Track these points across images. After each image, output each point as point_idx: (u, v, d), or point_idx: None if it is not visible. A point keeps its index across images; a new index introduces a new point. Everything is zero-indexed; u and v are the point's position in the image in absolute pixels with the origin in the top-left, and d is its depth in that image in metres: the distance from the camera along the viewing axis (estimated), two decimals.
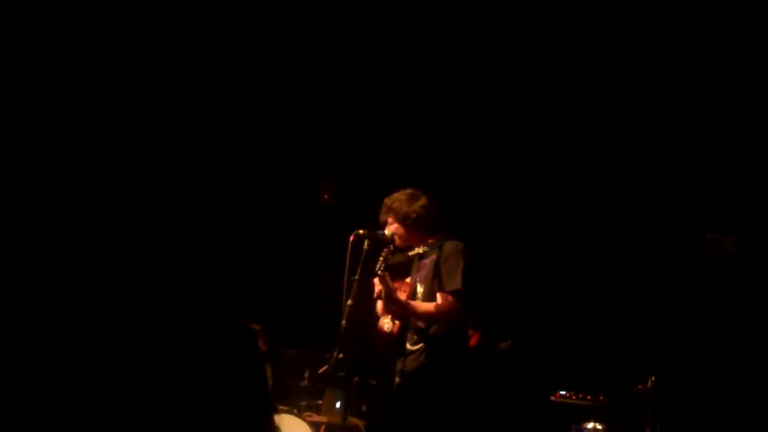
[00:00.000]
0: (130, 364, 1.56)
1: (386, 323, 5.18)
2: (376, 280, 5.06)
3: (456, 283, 4.99)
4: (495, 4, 6.48)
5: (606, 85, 6.67)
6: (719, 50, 6.19)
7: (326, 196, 7.52)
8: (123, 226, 6.72)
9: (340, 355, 5.11)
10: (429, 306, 5.05)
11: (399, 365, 5.11)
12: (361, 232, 5.07)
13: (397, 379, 5.15)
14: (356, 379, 5.86)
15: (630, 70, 6.55)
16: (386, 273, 5.01)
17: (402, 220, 5.15)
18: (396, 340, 5.15)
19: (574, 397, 6.01)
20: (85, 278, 6.20)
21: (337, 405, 6.17)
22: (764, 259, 6.20)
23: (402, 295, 5.15)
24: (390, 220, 5.18)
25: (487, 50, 6.77)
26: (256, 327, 6.72)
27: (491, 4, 6.48)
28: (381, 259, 5.01)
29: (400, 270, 5.32)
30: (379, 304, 5.22)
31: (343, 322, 4.95)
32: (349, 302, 4.95)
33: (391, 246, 5.08)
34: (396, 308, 5.11)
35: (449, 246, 5.12)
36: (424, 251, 5.18)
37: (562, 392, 6.11)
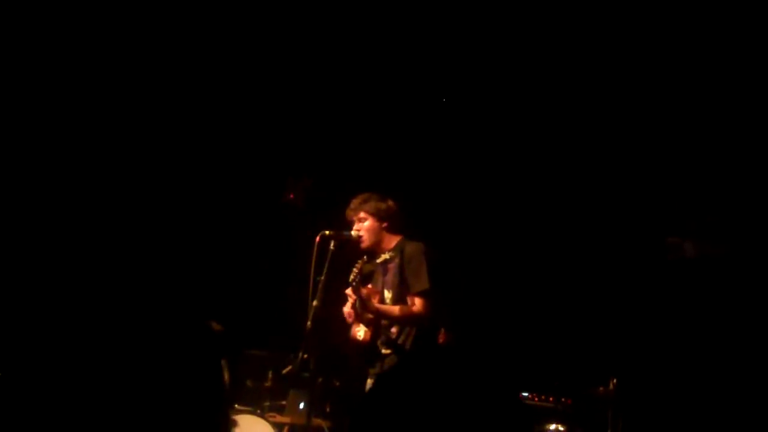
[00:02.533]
0: (88, 361, 1.56)
1: (359, 332, 5.20)
2: (350, 291, 5.07)
3: (423, 283, 5.02)
4: (464, 11, 6.50)
5: (564, 88, 6.72)
6: (685, 60, 6.28)
7: (292, 196, 7.50)
8: (89, 222, 6.66)
9: (305, 356, 5.12)
10: (404, 309, 5.08)
11: (376, 369, 5.11)
12: (327, 232, 5.08)
13: (370, 381, 5.15)
14: (320, 380, 5.86)
15: (590, 76, 6.61)
16: (359, 283, 5.02)
17: (377, 215, 5.18)
18: (368, 347, 5.16)
19: (536, 399, 6.05)
20: (50, 275, 6.15)
21: (301, 406, 6.16)
22: (723, 263, 6.30)
23: (373, 302, 5.18)
24: (362, 216, 5.20)
25: (453, 58, 6.80)
26: (218, 327, 6.69)
27: (460, 10, 6.50)
28: (355, 270, 5.02)
29: (366, 279, 5.35)
30: (348, 312, 5.22)
31: (309, 323, 4.95)
32: (315, 303, 4.95)
33: (365, 257, 5.09)
34: (372, 316, 5.13)
35: (410, 248, 5.15)
36: (389, 256, 5.20)
37: (524, 394, 6.14)
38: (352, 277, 5.02)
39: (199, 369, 1.69)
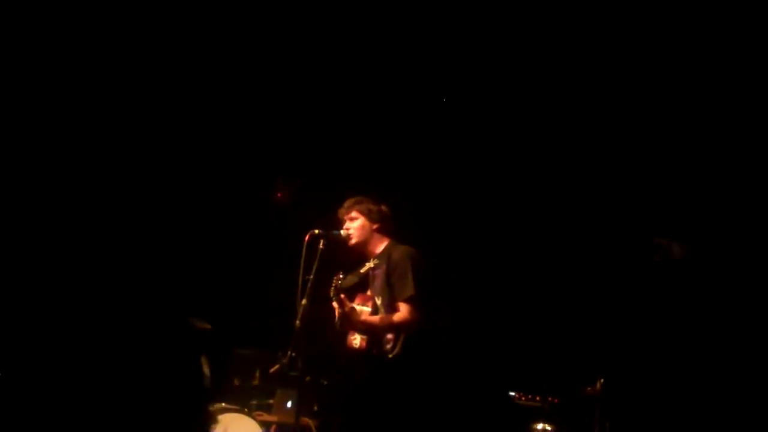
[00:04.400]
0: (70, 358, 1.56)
1: (354, 340, 5.20)
2: (335, 304, 5.08)
3: (408, 290, 5.02)
4: (452, 14, 6.50)
5: (547, 91, 6.74)
6: (672, 58, 6.30)
7: (280, 195, 7.49)
8: (75, 220, 6.64)
9: (293, 355, 5.11)
10: (383, 318, 5.07)
11: None
12: (316, 231, 5.08)
13: None
14: (308, 378, 5.85)
15: (577, 79, 6.63)
16: (343, 297, 5.03)
17: (369, 216, 5.21)
18: (365, 354, 5.15)
19: (523, 398, 6.06)
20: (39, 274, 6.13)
21: (288, 405, 6.16)
22: (710, 264, 6.33)
23: (365, 309, 5.18)
24: (354, 215, 5.22)
25: (445, 57, 6.81)
26: (205, 325, 6.68)
27: (449, 12, 6.50)
28: (333, 286, 5.01)
29: (358, 287, 5.35)
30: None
31: (297, 321, 4.95)
32: (304, 302, 4.94)
33: (341, 273, 5.09)
34: (361, 327, 5.13)
35: (396, 254, 5.16)
36: (375, 264, 5.21)
37: (512, 393, 6.15)
38: (332, 292, 5.03)
39: (178, 365, 1.70)
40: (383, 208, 5.30)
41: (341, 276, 5.06)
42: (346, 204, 5.29)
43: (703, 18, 5.95)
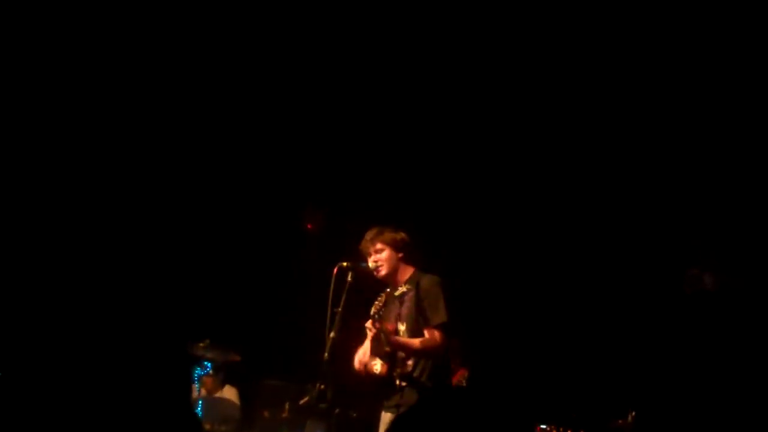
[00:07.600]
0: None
1: (375, 365, 5.18)
2: (369, 324, 5.05)
3: (441, 316, 5.00)
4: (465, 40, 6.53)
5: (577, 123, 6.74)
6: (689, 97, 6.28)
7: (310, 226, 7.53)
8: (106, 241, 6.71)
9: (322, 387, 5.11)
10: (424, 342, 5.05)
11: (393, 402, 5.08)
12: (345, 264, 5.09)
13: (389, 415, 5.13)
14: (337, 411, 5.84)
15: (611, 109, 6.62)
16: (381, 316, 5.01)
17: (394, 246, 5.20)
18: (385, 380, 5.13)
19: (554, 431, 6.01)
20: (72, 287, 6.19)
21: None
22: (743, 296, 6.26)
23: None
24: (379, 247, 5.20)
25: (464, 88, 6.83)
26: (236, 358, 6.73)
27: (463, 39, 6.53)
28: (378, 304, 4.99)
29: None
30: (366, 347, 5.21)
31: (326, 354, 4.95)
32: (332, 335, 4.94)
33: (388, 290, 5.07)
34: (389, 349, 5.11)
35: (426, 281, 5.14)
36: (406, 289, 5.20)
37: (543, 426, 6.10)
38: (374, 310, 5.01)
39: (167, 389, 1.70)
40: (403, 235, 5.29)
41: (388, 292, 5.05)
42: (368, 237, 5.27)
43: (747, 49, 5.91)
